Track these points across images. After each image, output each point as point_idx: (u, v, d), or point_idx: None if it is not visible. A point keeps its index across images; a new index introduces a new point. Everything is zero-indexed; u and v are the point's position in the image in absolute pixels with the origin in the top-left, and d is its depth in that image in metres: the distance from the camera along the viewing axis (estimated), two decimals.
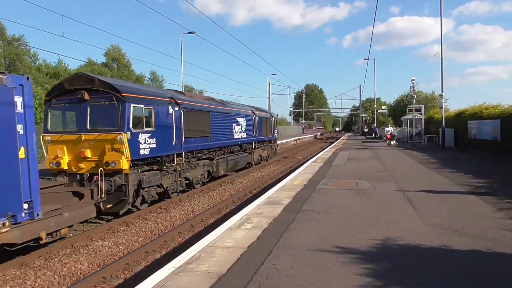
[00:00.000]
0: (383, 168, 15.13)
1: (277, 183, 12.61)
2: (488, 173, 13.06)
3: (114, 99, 10.17)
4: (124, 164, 9.95)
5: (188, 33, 33.46)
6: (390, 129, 35.38)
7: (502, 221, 6.70)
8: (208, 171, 15.71)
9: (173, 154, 12.52)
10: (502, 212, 7.36)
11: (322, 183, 11.49)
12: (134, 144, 10.39)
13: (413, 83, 31.93)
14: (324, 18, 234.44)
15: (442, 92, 26.68)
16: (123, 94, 10.22)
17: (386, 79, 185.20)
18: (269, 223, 6.97)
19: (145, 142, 10.92)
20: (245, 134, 20.24)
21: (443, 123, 26.56)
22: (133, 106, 10.49)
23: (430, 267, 4.63)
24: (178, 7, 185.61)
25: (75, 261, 7.51)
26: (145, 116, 11.04)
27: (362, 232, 6.19)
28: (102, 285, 6.51)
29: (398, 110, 59.70)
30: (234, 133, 18.57)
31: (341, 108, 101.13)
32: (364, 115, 76.49)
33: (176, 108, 12.64)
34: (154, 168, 11.71)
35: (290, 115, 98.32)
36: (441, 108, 27.23)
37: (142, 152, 10.81)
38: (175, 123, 12.46)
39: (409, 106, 34.79)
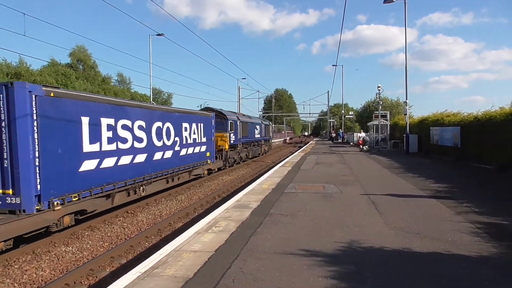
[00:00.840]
0: (350, 172, 15.46)
1: (246, 186, 12.64)
2: (449, 178, 13.59)
3: (223, 118, 22.81)
4: (227, 146, 22.82)
5: (157, 35, 33.13)
6: (362, 134, 35.17)
7: (460, 224, 7.00)
8: (246, 154, 28.89)
9: (238, 144, 25.67)
10: (460, 216, 7.68)
11: (290, 187, 11.62)
12: (229, 138, 23.21)
13: (379, 90, 32.89)
14: (293, 24, 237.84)
15: (406, 99, 27.53)
16: (227, 117, 23.07)
17: (354, 85, 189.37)
18: (237, 227, 6.99)
19: (232, 137, 23.72)
20: (259, 135, 33.57)
21: (407, 129, 27.42)
22: (230, 122, 23.23)
23: (392, 269, 4.79)
24: (147, 9, 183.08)
25: (37, 268, 7.27)
26: (232, 126, 23.62)
27: (328, 235, 6.31)
28: None
29: (364, 116, 61.15)
30: (255, 134, 31.90)
31: (309, 113, 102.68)
32: (332, 120, 77.83)
33: (239, 122, 25.52)
34: (232, 149, 24.45)
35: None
36: (406, 114, 28.10)
37: (231, 142, 23.63)
38: (239, 128, 25.39)
39: (375, 112, 35.80)
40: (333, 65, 57.92)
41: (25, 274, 6.97)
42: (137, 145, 11.65)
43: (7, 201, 7.76)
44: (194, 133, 16.80)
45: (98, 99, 10.32)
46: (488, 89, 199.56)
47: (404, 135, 27.86)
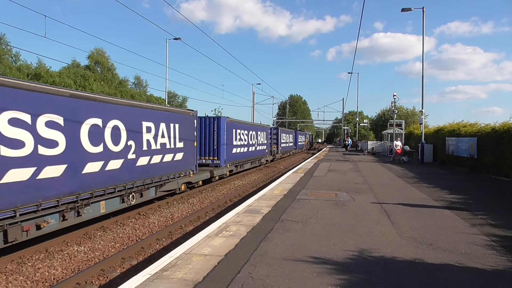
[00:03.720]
0: (363, 180, 15.32)
1: (257, 192, 12.63)
2: (464, 189, 13.36)
3: (306, 133, 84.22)
4: (307, 143, 75.86)
5: (174, 39, 33.42)
6: (399, 143, 28.55)
7: (475, 237, 6.87)
8: (309, 147, 77.74)
9: (308, 142, 76.88)
10: (475, 228, 7.54)
11: (302, 194, 11.57)
12: (308, 140, 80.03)
13: (394, 99, 32.57)
14: (309, 31, 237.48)
15: (422, 108, 27.25)
16: (305, 131, 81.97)
17: (368, 93, 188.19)
18: (248, 232, 6.98)
19: (307, 140, 76.34)
20: (303, 141, 67.40)
21: (423, 139, 27.09)
22: (307, 135, 76.46)
23: (403, 279, 4.71)
24: (163, 13, 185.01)
25: (49, 266, 7.36)
26: (307, 136, 75.22)
27: (339, 243, 6.26)
28: None
29: (379, 124, 60.56)
30: (312, 139, 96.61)
31: (323, 120, 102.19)
32: (346, 127, 77.37)
33: (308, 135, 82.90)
34: (307, 144, 75.15)
35: (273, 125, 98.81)
36: (421, 124, 27.77)
37: (307, 141, 76.50)
38: (308, 137, 77.78)
39: (390, 120, 35.38)
40: (348, 73, 57.99)
41: (37, 272, 7.07)
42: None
43: None
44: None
45: None
46: (507, 100, 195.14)
47: (419, 144, 27.52)
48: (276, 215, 8.42)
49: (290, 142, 48.96)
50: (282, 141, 40.61)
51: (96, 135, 9.51)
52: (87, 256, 8.08)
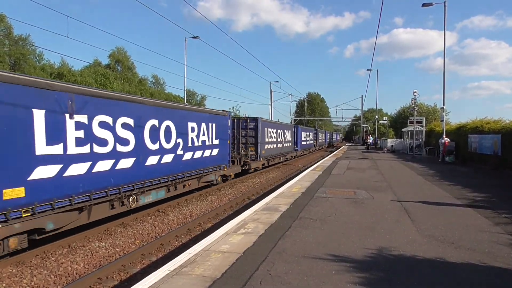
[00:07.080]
0: (382, 178, 15.13)
1: (276, 189, 12.61)
2: (487, 187, 13.06)
3: (334, 132, 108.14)
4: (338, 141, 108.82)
5: (192, 37, 33.55)
6: (448, 140, 25.46)
7: (499, 236, 6.71)
8: (334, 144, 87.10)
9: (337, 140, 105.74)
10: (499, 227, 7.36)
11: (320, 191, 11.50)
12: (338, 137, 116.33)
13: (415, 95, 32.02)
14: (327, 27, 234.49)
15: (443, 105, 26.73)
16: (334, 132, 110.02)
17: (387, 90, 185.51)
18: (266, 229, 6.98)
19: (338, 137, 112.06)
20: (336, 137, 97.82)
21: (444, 136, 26.56)
22: (336, 134, 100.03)
23: (423, 278, 4.64)
24: (180, 12, 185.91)
25: (72, 261, 7.53)
26: (334, 135, 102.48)
27: (357, 241, 6.20)
28: (98, 286, 6.54)
29: (399, 122, 59.76)
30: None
31: (342, 118, 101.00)
32: (365, 125, 76.49)
33: (337, 133, 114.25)
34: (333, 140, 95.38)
35: (291, 123, 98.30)
36: (442, 121, 27.25)
37: (338, 139, 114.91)
38: (337, 135, 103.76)
39: (410, 118, 34.81)
40: (367, 70, 57.46)
41: (61, 266, 7.24)
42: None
43: None
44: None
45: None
46: None
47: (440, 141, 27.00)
48: (294, 213, 8.40)
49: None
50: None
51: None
52: (108, 252, 8.22)
